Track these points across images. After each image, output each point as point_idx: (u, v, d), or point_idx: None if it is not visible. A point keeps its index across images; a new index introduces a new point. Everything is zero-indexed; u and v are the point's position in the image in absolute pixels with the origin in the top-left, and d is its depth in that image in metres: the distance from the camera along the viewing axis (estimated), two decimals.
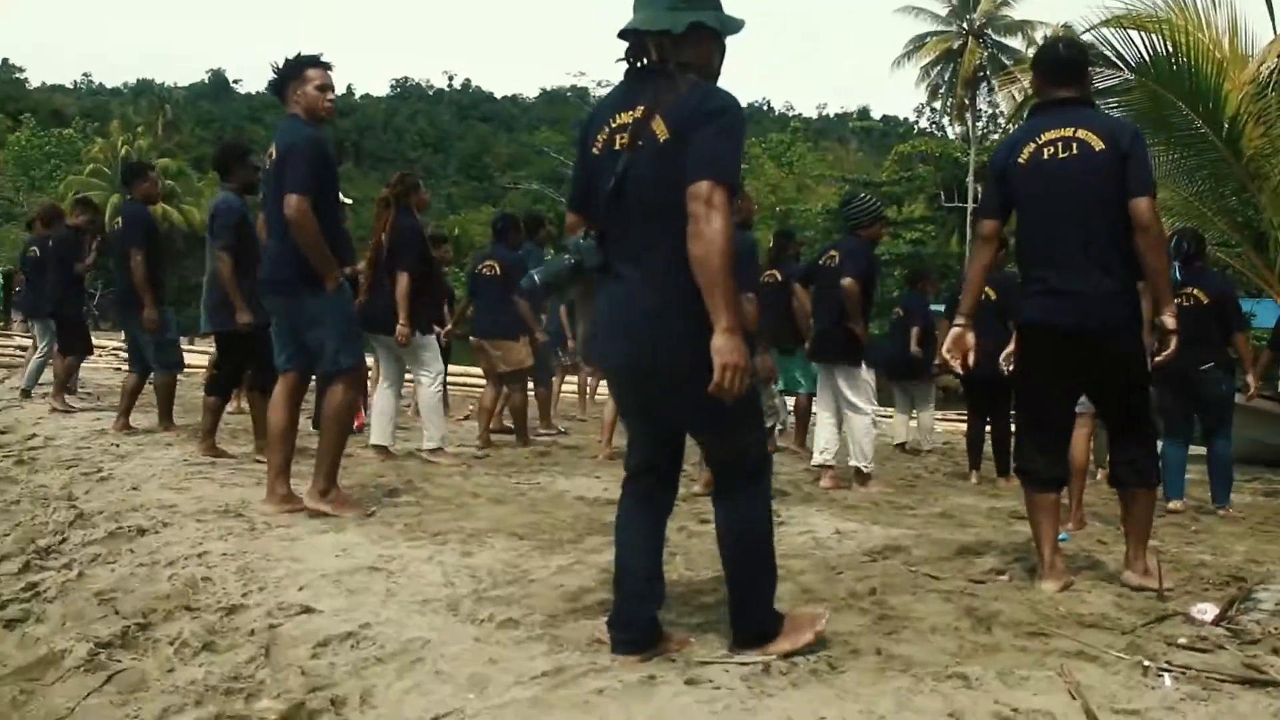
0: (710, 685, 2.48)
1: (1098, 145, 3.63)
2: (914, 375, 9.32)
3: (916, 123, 56.91)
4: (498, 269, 7.93)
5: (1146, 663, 2.71)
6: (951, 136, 49.73)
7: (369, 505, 4.85)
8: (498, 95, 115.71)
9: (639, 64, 2.73)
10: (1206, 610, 3.28)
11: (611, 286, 2.69)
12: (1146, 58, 10.46)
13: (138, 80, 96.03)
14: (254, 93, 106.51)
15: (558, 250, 3.28)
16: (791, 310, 7.29)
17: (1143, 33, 10.58)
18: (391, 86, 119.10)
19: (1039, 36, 36.95)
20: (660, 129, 2.57)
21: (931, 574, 3.87)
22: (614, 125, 2.70)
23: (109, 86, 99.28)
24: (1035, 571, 3.82)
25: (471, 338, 8.22)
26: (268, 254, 4.79)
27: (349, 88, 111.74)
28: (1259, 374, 7.08)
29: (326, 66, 4.79)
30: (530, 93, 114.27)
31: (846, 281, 6.31)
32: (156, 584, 3.60)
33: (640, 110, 2.62)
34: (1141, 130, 11.08)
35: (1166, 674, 2.65)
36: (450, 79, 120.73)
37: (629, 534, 2.85)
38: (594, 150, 2.76)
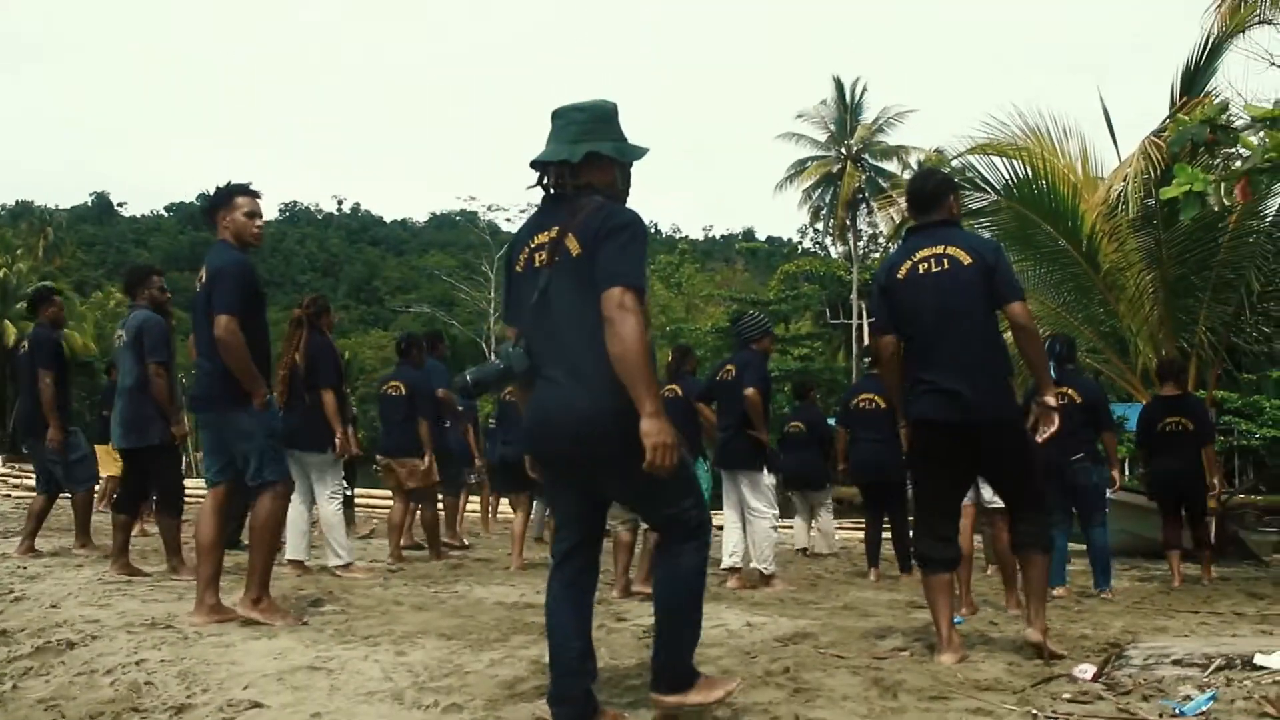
0: None
1: (965, 260, 4.11)
2: (813, 484, 9.77)
3: (800, 243, 59.07)
4: (402, 388, 8.14)
5: (1035, 712, 3.04)
6: (834, 255, 51.80)
7: (299, 614, 4.96)
8: (387, 219, 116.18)
9: (550, 191, 3.10)
10: (1086, 670, 3.65)
11: (543, 389, 2.99)
12: (1010, 181, 11.41)
13: (16, 201, 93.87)
14: (139, 216, 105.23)
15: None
16: (694, 422, 7.63)
17: (1005, 159, 11.57)
18: (280, 210, 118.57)
19: (913, 160, 39.18)
20: (573, 246, 2.92)
21: (839, 654, 4.16)
22: (533, 245, 3.05)
23: None
24: (934, 648, 4.15)
25: (379, 456, 8.36)
26: (199, 372, 4.96)
27: None
28: (1121, 469, 7.73)
29: (255, 194, 5.05)
30: (420, 216, 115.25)
31: (749, 391, 6.71)
32: (98, 690, 3.67)
33: (555, 231, 2.98)
34: (1008, 247, 11.95)
35: None
36: (340, 203, 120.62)
37: (560, 617, 3.09)
38: (518, 269, 3.12)
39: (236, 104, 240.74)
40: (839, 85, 42.55)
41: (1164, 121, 10.26)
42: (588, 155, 3.02)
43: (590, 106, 3.11)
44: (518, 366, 3.03)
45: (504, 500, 11.44)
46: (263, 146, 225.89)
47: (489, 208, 56.11)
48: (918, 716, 3.08)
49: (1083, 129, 12.39)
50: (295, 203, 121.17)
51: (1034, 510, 4.22)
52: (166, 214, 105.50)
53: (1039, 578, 4.21)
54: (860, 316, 38.73)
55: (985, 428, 4.07)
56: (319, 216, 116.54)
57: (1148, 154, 9.95)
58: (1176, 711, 3.02)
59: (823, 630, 4.83)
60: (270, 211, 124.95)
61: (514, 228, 58.95)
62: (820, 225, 48.92)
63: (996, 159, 11.57)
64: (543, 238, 3.02)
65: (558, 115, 3.10)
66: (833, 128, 42.64)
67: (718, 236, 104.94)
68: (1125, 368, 11.91)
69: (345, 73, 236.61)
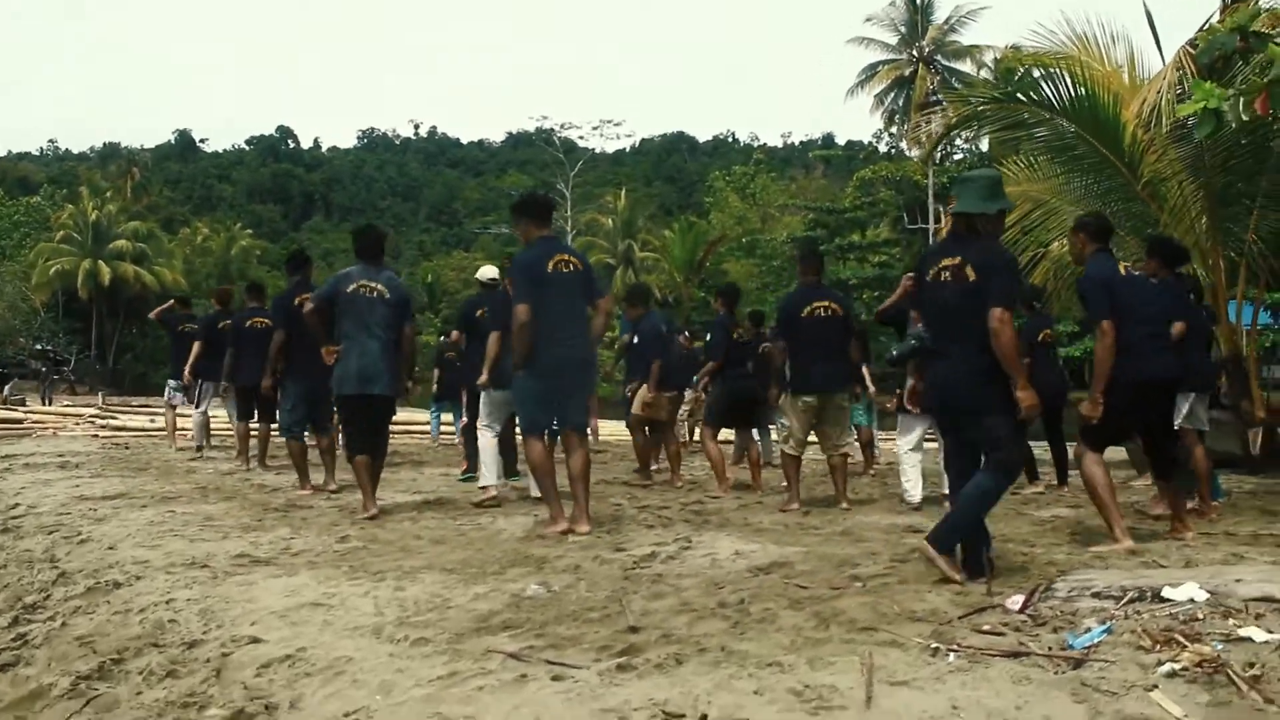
0: (571, 680, 3.08)
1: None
2: None
3: (876, 148, 57.99)
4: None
5: (937, 645, 3.33)
6: (912, 158, 50.89)
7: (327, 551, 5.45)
8: (464, 141, 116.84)
9: (963, 229, 4.61)
10: (1016, 600, 3.90)
11: (940, 360, 4.59)
12: (1052, 95, 11.24)
13: (104, 144, 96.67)
14: (220, 151, 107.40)
15: None
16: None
17: (1049, 70, 11.39)
18: (358, 138, 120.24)
19: (988, 59, 38.10)
20: (970, 274, 4.45)
21: (801, 584, 4.47)
22: (941, 265, 4.57)
23: (75, 151, 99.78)
24: (898, 576, 4.50)
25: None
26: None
27: (315, 141, 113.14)
28: None
29: None
30: (496, 137, 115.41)
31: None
32: (130, 628, 4.19)
33: (959, 259, 4.50)
34: (1051, 159, 11.81)
35: (952, 653, 3.26)
36: (416, 127, 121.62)
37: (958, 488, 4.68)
38: (928, 278, 4.65)
39: (308, 36, 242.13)
40: None
41: (1200, 29, 10.00)
42: (999, 210, 4.67)
43: (993, 174, 4.85)
44: (927, 344, 4.66)
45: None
46: (337, 76, 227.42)
47: (563, 125, 55.85)
48: (834, 648, 3.38)
49: (1131, 34, 11.99)
50: (373, 129, 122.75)
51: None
52: (247, 147, 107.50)
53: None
54: (938, 220, 38.16)
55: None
56: (396, 142, 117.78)
57: (1180, 64, 9.73)
58: (1068, 644, 3.27)
59: (803, 559, 5.14)
60: (348, 139, 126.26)
61: (587, 145, 59.41)
62: (895, 130, 47.93)
63: (1036, 70, 11.41)
64: (948, 262, 4.54)
65: (970, 179, 4.72)
66: (903, 30, 41.59)
67: (796, 143, 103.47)
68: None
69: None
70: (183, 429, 12.96)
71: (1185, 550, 5.32)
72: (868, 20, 42.46)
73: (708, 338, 9.36)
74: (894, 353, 5.22)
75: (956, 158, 41.06)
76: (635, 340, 9.52)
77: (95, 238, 49.18)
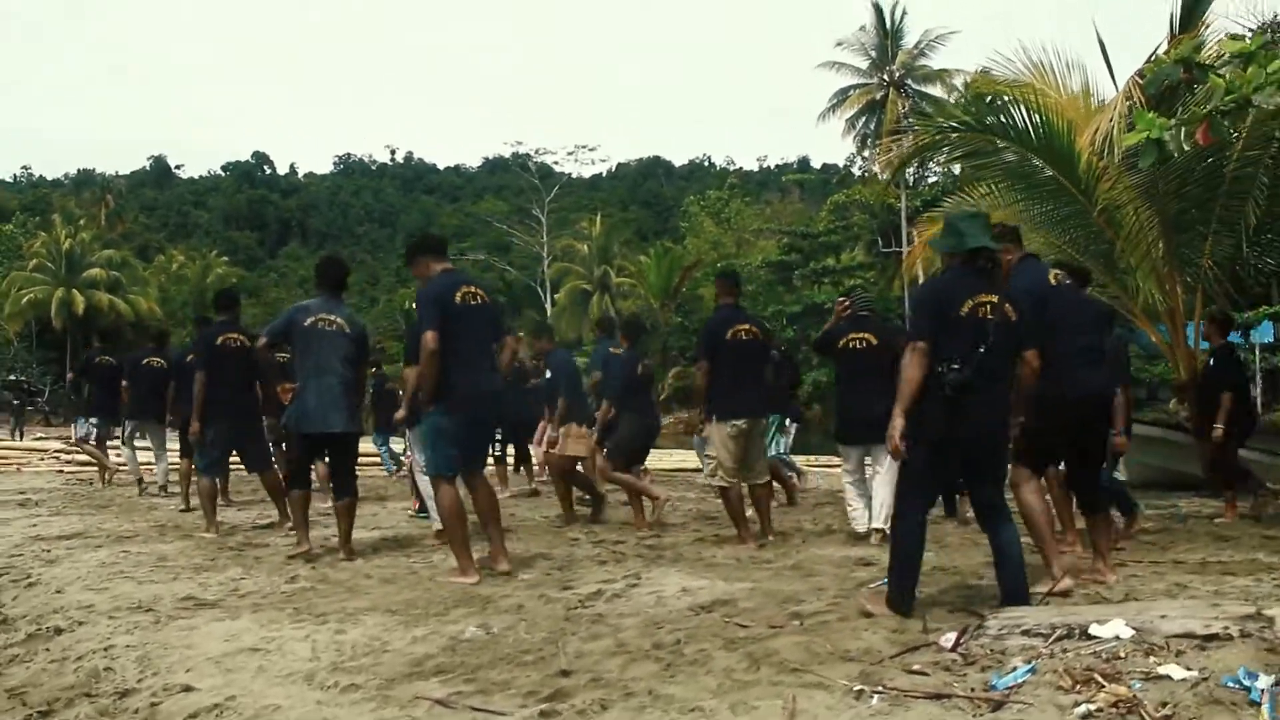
0: None
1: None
2: None
3: (850, 172, 58.37)
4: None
5: (860, 687, 3.35)
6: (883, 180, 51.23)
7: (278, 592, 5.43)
8: (440, 167, 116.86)
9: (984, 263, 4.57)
10: (950, 638, 3.93)
11: (975, 396, 4.34)
12: (1009, 122, 11.39)
13: (78, 170, 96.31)
14: (196, 177, 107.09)
15: None
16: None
17: (1008, 99, 11.55)
18: (335, 164, 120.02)
19: (958, 83, 38.41)
20: (1011, 313, 4.49)
21: (741, 623, 4.49)
22: (976, 300, 4.43)
23: (49, 178, 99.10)
24: (839, 613, 4.53)
25: None
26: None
27: (292, 166, 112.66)
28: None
29: None
30: (473, 163, 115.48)
31: None
32: (64, 677, 4.18)
33: (996, 298, 4.46)
34: (1010, 186, 11.96)
35: (876, 695, 3.29)
36: (393, 153, 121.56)
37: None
38: (961, 312, 4.41)
39: (284, 60, 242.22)
40: (878, 10, 41.84)
41: (1148, 60, 10.17)
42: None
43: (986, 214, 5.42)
44: (968, 379, 4.34)
45: None
46: (313, 101, 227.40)
47: (537, 151, 56.23)
48: (761, 691, 3.40)
49: (1086, 61, 12.21)
50: (349, 155, 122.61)
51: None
52: (223, 173, 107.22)
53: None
54: (911, 244, 38.39)
55: None
56: (373, 167, 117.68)
57: (1130, 94, 9.89)
58: (992, 685, 3.30)
59: (748, 596, 5.15)
60: (325, 165, 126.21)
61: (562, 170, 59.62)
62: (867, 154, 48.25)
63: (996, 99, 11.58)
64: (986, 298, 4.45)
65: (975, 216, 4.90)
66: (874, 54, 41.97)
67: (772, 166, 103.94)
68: (1125, 296, 11.90)
69: (390, 22, 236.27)
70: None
71: (1131, 581, 5.38)
72: (838, 45, 42.79)
73: (597, 374, 8.88)
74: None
75: (931, 180, 41.40)
76: (549, 376, 9.27)
77: (69, 266, 48.91)
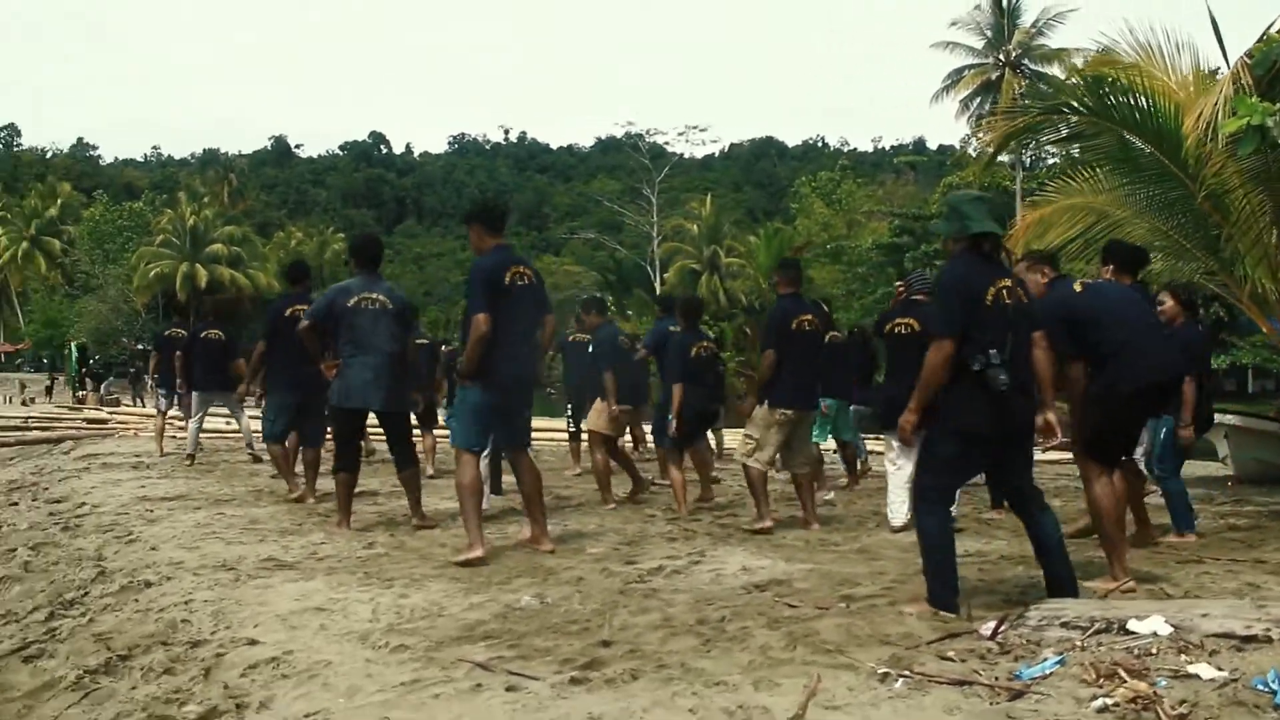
0: (524, 691, 3.23)
1: None
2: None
3: (966, 153, 57.03)
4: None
5: (888, 670, 3.39)
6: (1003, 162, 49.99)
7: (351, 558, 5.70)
8: (553, 146, 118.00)
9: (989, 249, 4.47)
10: (989, 627, 3.93)
11: (1011, 384, 4.22)
12: (1113, 103, 11.06)
13: (204, 150, 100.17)
14: (315, 157, 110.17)
15: None
16: None
17: (1108, 79, 11.21)
18: (449, 143, 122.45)
19: (1078, 62, 37.19)
20: (1024, 296, 4.45)
21: (790, 603, 4.55)
22: (999, 286, 4.34)
23: (177, 158, 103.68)
24: (890, 597, 4.55)
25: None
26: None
27: (407, 146, 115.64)
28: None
29: None
30: (585, 143, 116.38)
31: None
32: (146, 626, 4.47)
33: (1011, 282, 4.42)
34: (1112, 170, 11.61)
35: (901, 679, 3.32)
36: (506, 133, 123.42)
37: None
38: (988, 300, 4.30)
39: (401, 42, 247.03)
40: None
41: (1258, 39, 9.75)
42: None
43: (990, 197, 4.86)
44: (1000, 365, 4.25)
45: None
46: (430, 82, 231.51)
47: (649, 131, 56.33)
48: (790, 670, 3.47)
49: (1197, 42, 11.70)
50: (463, 134, 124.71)
51: None
52: (341, 153, 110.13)
53: None
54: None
55: None
56: (487, 147, 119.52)
57: (1238, 76, 9.50)
58: (1018, 675, 3.31)
59: (805, 577, 5.21)
60: (439, 144, 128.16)
61: (674, 149, 59.62)
62: (981, 135, 47.08)
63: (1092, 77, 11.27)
64: (1005, 283, 4.38)
65: (979, 199, 4.65)
66: (989, 33, 40.87)
67: (887, 147, 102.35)
68: (1239, 291, 11.47)
69: (508, 6, 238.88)
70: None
71: (1202, 578, 5.27)
72: (953, 24, 41.75)
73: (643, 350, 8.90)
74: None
75: (1049, 162, 40.23)
76: (591, 350, 9.21)
77: (193, 242, 51.03)
